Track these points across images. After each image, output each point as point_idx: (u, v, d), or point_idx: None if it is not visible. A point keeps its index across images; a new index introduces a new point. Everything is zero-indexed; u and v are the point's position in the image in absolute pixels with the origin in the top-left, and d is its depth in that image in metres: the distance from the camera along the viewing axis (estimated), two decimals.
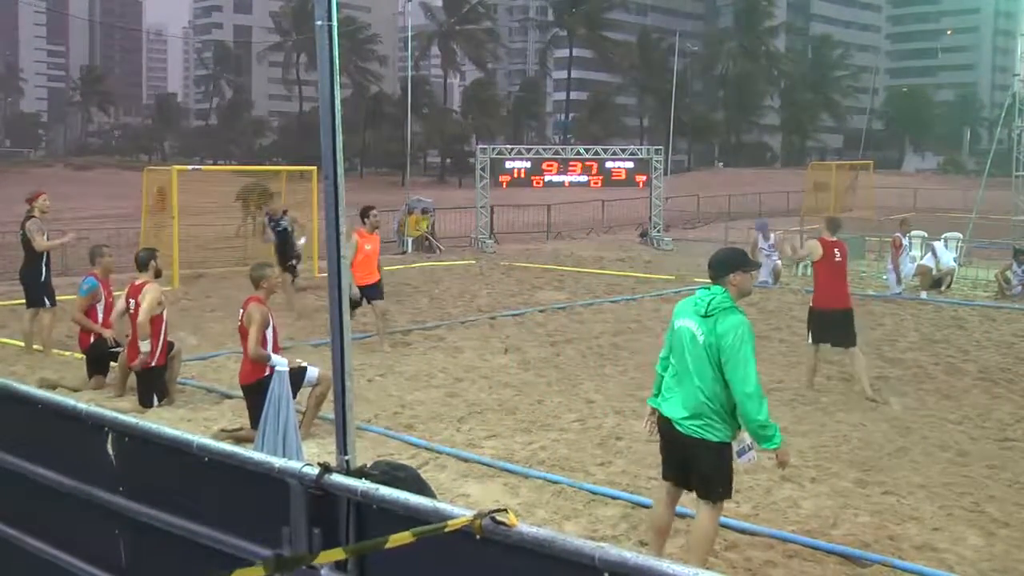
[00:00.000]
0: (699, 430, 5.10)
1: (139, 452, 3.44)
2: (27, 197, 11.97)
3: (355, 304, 11.56)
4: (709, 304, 5.11)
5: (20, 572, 3.96)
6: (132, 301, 9.21)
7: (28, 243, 11.46)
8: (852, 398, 9.70)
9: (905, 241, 18.10)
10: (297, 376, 7.90)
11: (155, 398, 8.99)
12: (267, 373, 7.60)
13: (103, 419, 3.56)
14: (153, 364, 9.02)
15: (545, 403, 9.32)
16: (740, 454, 5.24)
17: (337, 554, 2.82)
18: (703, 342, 5.08)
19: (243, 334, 8.01)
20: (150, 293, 9.06)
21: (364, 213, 12.46)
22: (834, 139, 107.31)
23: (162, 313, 9.18)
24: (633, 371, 10.60)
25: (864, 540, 5.96)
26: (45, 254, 11.57)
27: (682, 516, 5.78)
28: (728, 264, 5.24)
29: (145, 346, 8.97)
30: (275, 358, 7.75)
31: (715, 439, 5.10)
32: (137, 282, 9.32)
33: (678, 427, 5.16)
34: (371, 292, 12.05)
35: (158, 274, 9.51)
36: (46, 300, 11.45)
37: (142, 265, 9.39)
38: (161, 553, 3.38)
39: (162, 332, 9.17)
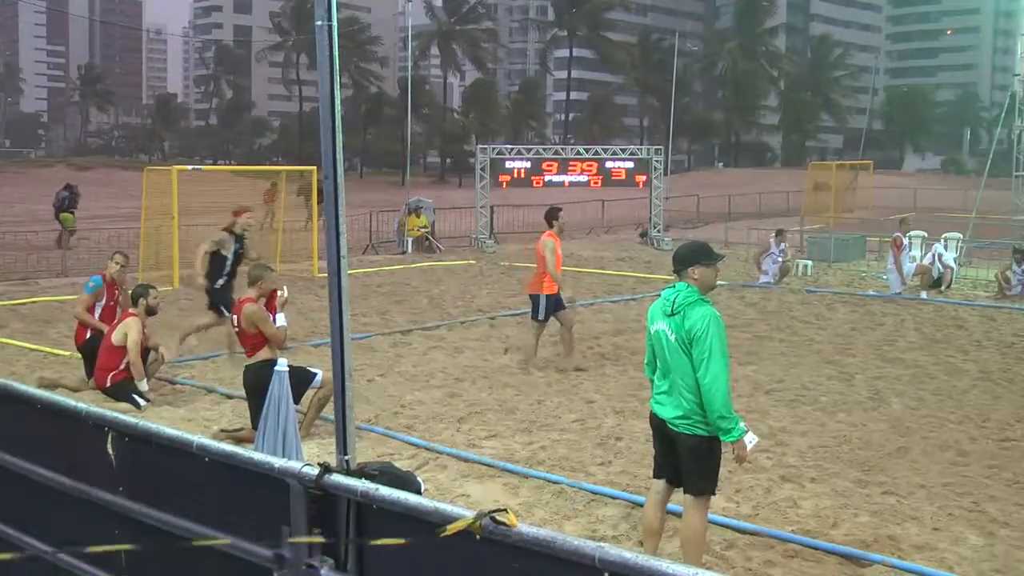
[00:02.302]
0: (690, 427, 5.18)
1: (139, 452, 3.44)
2: (234, 210, 11.83)
3: (547, 315, 10.86)
4: (674, 302, 5.19)
5: (20, 572, 3.96)
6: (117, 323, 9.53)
7: (217, 256, 11.29)
8: (852, 398, 9.70)
9: (905, 241, 18.12)
10: (303, 379, 7.92)
11: (138, 400, 9.03)
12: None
13: (103, 419, 3.56)
14: (120, 379, 9.18)
15: (545, 403, 9.33)
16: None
17: (318, 540, 2.82)
18: (675, 340, 5.16)
19: (243, 336, 8.02)
20: (132, 330, 9.20)
21: (553, 215, 11.19)
22: (834, 139, 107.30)
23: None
24: (633, 371, 10.60)
25: (864, 540, 5.97)
26: (226, 262, 11.23)
27: (675, 514, 5.77)
28: (687, 259, 5.30)
29: (144, 385, 9.20)
30: (280, 319, 8.07)
31: (706, 433, 5.17)
32: (129, 310, 9.53)
33: (672, 427, 5.22)
34: (556, 303, 10.93)
35: (150, 311, 9.54)
36: (221, 308, 11.07)
37: (133, 300, 9.51)
38: (161, 553, 3.38)
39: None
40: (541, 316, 10.89)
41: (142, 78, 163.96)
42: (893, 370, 11.04)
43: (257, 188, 25.75)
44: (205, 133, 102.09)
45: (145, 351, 9.42)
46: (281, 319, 8.15)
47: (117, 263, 10.39)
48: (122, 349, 9.20)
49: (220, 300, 11.16)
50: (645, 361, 5.63)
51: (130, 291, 9.93)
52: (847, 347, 12.41)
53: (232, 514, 3.17)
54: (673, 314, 5.18)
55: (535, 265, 11.37)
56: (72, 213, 25.31)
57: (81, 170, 70.29)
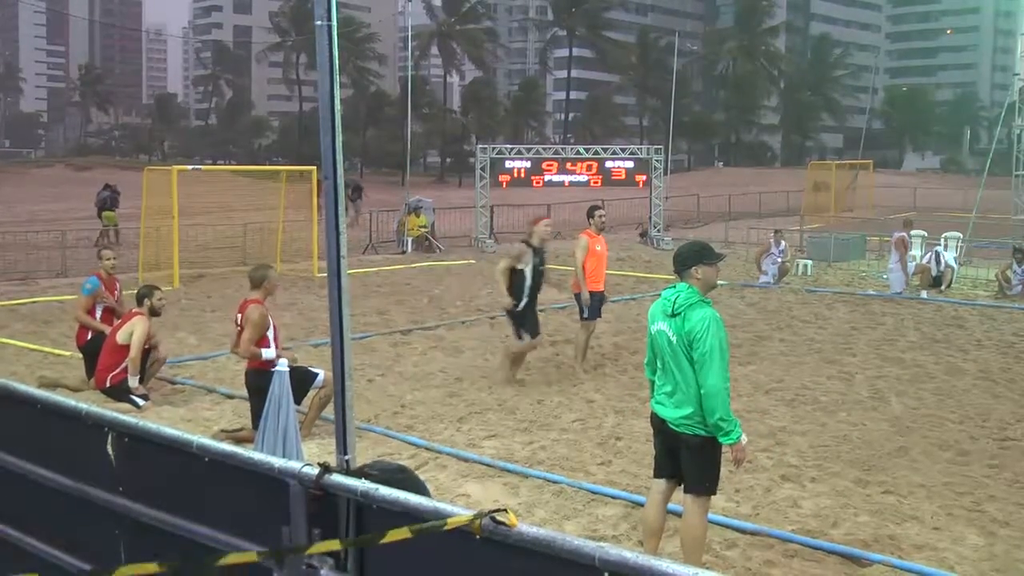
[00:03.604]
0: (692, 427, 5.18)
1: (139, 452, 3.43)
2: (532, 219, 10.50)
3: (592, 314, 10.59)
4: (675, 303, 5.20)
5: (20, 572, 3.96)
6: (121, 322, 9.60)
7: (518, 271, 9.95)
8: (852, 398, 9.69)
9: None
10: (305, 379, 7.91)
11: (137, 401, 9.04)
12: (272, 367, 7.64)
13: (103, 419, 3.56)
14: (120, 380, 9.22)
15: (545, 403, 9.32)
16: None
17: (331, 544, 2.81)
18: (676, 341, 5.16)
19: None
20: (138, 328, 9.25)
21: (589, 212, 10.91)
22: (834, 139, 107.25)
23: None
24: (633, 371, 10.60)
25: (864, 540, 5.96)
26: (524, 279, 9.80)
27: (676, 514, 5.77)
28: (690, 258, 5.30)
29: (134, 382, 9.19)
30: (268, 352, 7.83)
31: (707, 433, 5.17)
32: (133, 310, 9.56)
33: (673, 427, 5.23)
34: (596, 302, 10.64)
35: (155, 312, 9.59)
36: (522, 332, 10.05)
37: (138, 301, 9.57)
38: (161, 553, 3.37)
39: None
40: (585, 314, 10.71)
41: (142, 78, 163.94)
42: (893, 370, 11.04)
43: (258, 188, 25.75)
44: (205, 133, 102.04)
45: (145, 352, 9.43)
46: (269, 353, 7.89)
47: (108, 259, 10.43)
48: (125, 349, 9.20)
49: (523, 324, 10.02)
50: (645, 361, 5.63)
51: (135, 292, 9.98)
52: (847, 347, 12.40)
53: (232, 514, 3.17)
54: (674, 315, 5.18)
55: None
56: (114, 211, 26.52)
57: (81, 170, 70.28)
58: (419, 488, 3.13)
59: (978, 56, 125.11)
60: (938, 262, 18.08)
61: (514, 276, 9.94)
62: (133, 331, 9.22)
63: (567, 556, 2.34)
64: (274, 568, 2.93)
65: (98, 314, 10.15)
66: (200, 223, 23.47)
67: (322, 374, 8.10)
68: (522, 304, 9.95)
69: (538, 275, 9.96)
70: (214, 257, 21.13)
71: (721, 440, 5.14)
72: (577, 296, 10.77)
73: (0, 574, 4.14)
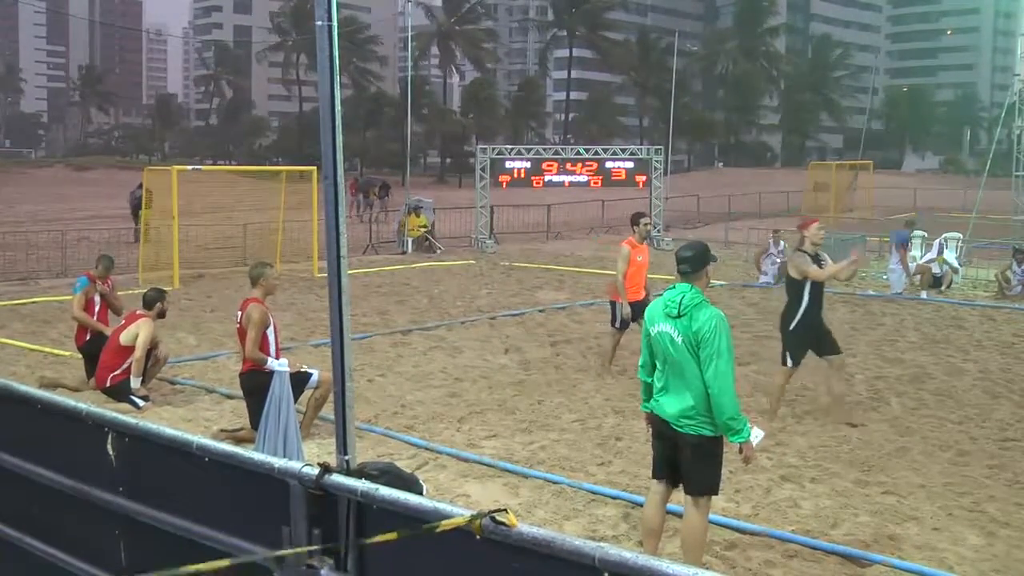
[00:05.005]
0: (696, 427, 5.18)
1: (139, 452, 3.43)
2: (799, 223, 9.29)
3: (624, 324, 10.44)
4: (680, 304, 5.21)
5: (20, 572, 3.96)
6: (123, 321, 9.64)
7: (792, 283, 8.70)
8: (852, 398, 9.68)
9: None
10: (300, 380, 7.90)
11: (137, 402, 9.05)
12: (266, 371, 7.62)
13: (103, 419, 3.56)
14: (120, 380, 9.24)
15: (545, 403, 9.32)
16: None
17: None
18: (682, 342, 5.17)
19: (242, 335, 8.01)
20: (144, 330, 9.28)
21: (633, 220, 10.71)
22: (834, 139, 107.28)
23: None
24: (633, 371, 10.56)
25: (864, 540, 5.97)
26: (803, 290, 8.56)
27: (676, 514, 5.77)
28: (700, 260, 5.36)
29: (136, 382, 9.20)
30: (272, 362, 7.73)
31: (711, 434, 5.18)
32: (138, 311, 9.57)
33: (676, 427, 5.22)
34: (638, 311, 9.93)
35: (161, 315, 9.66)
36: (788, 358, 8.77)
37: (147, 305, 9.59)
38: (161, 553, 3.38)
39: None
40: (617, 324, 10.57)
41: (142, 78, 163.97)
42: (893, 370, 11.04)
43: (258, 188, 25.76)
44: (205, 133, 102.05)
45: (147, 352, 9.43)
46: (274, 362, 7.73)
47: (99, 269, 10.41)
48: (128, 350, 9.21)
49: (791, 346, 8.75)
50: (640, 363, 5.62)
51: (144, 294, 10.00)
52: (847, 347, 12.36)
53: (232, 514, 3.17)
54: (679, 316, 5.17)
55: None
56: (148, 210, 26.36)
57: (81, 170, 70.29)
58: (409, 485, 3.13)
59: (978, 56, 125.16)
60: (940, 251, 18.08)
61: (794, 289, 8.65)
62: (139, 333, 9.23)
63: (567, 556, 2.34)
64: (274, 568, 2.93)
65: (95, 314, 10.13)
66: (200, 223, 23.46)
67: (316, 374, 8.09)
68: (795, 323, 8.64)
69: (817, 288, 8.64)
70: (214, 257, 21.13)
71: (732, 439, 5.14)
72: (613, 304, 10.63)
73: (0, 574, 4.14)
